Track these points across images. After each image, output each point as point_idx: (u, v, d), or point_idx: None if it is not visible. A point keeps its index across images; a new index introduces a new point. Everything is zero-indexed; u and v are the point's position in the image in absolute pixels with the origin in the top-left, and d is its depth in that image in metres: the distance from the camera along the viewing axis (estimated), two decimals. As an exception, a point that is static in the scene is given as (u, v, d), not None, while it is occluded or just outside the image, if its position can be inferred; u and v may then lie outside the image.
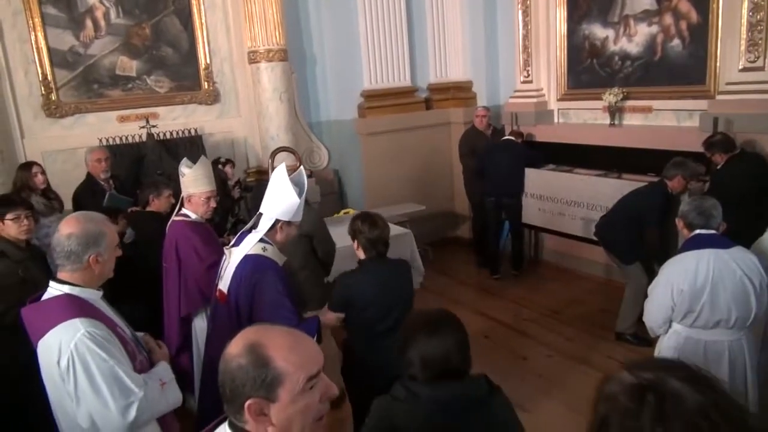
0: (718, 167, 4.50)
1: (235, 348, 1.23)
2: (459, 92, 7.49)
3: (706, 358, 2.75)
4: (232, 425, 1.26)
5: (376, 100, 7.03)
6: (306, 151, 6.82)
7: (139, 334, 2.24)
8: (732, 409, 1.03)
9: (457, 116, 7.41)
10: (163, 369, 2.13)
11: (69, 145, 5.74)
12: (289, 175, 2.72)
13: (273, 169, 3.24)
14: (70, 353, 1.86)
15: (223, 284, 2.79)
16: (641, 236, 4.53)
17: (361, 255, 2.88)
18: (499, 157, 6.04)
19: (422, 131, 7.31)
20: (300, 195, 2.71)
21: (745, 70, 4.70)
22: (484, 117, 6.51)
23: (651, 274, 3.41)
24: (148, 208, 4.11)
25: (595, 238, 5.07)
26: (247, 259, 2.70)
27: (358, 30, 6.87)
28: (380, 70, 7.04)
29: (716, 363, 2.74)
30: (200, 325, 3.35)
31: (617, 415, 1.05)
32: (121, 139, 5.69)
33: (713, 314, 2.69)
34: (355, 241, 2.89)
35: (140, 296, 3.95)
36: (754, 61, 4.63)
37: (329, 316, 2.86)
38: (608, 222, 4.79)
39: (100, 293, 2.10)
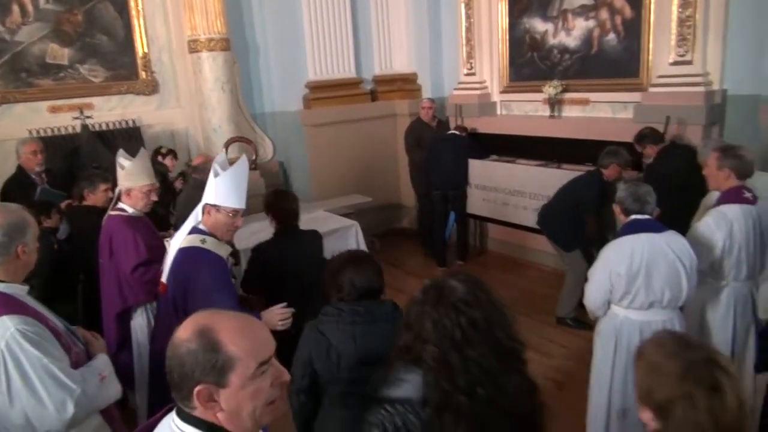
0: (651, 159, 4.64)
1: (185, 332, 1.20)
2: (404, 84, 7.52)
3: (642, 338, 2.87)
4: (180, 412, 1.23)
5: (321, 92, 6.97)
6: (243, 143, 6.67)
7: (73, 327, 2.16)
8: (491, 301, 1.52)
9: (402, 108, 7.45)
10: (102, 361, 2.08)
11: (-5, 136, 5.43)
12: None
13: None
14: (0, 353, 1.80)
15: (164, 277, 2.77)
16: (580, 223, 4.68)
17: (274, 227, 3.27)
18: (445, 150, 6.13)
19: (368, 123, 7.31)
20: (217, 175, 2.64)
21: (675, 63, 4.92)
22: (430, 109, 6.58)
23: (590, 261, 3.54)
24: (84, 203, 3.92)
25: (537, 227, 5.22)
26: (181, 252, 2.67)
27: (302, 21, 6.80)
28: (325, 62, 6.98)
29: (651, 342, 2.87)
30: (138, 321, 3.25)
31: (411, 305, 1.55)
32: (53, 130, 5.43)
33: (648, 295, 2.81)
34: (270, 215, 3.26)
35: (76, 293, 3.81)
36: (683, 55, 4.85)
37: (272, 316, 2.68)
38: (549, 211, 4.94)
39: (26, 288, 2.02)
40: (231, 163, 2.80)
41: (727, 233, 2.97)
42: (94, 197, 3.88)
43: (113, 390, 2.06)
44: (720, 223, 2.98)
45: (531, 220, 5.83)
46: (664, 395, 1.35)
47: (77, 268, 3.76)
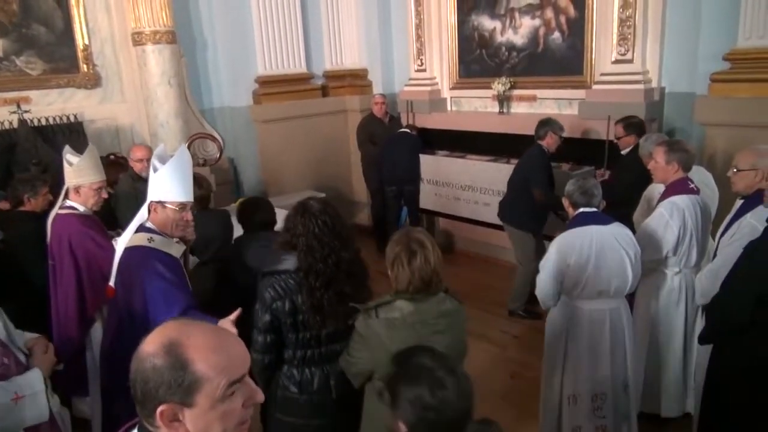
0: (627, 150, 4.53)
1: (151, 346, 1.11)
2: (355, 80, 7.53)
3: (591, 325, 3.00)
4: (142, 429, 1.15)
5: (271, 87, 6.89)
6: (198, 139, 6.55)
7: (33, 335, 2.06)
8: (334, 213, 2.34)
9: (353, 104, 7.46)
10: (27, 379, 1.93)
11: None
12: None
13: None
14: None
15: (112, 280, 2.64)
16: (531, 199, 4.71)
17: None
18: (398, 146, 6.21)
19: (319, 118, 7.28)
20: (156, 170, 2.53)
21: (616, 62, 5.13)
22: (383, 104, 6.62)
23: (541, 254, 3.62)
24: (22, 208, 3.64)
25: (487, 221, 5.33)
26: (126, 252, 2.56)
27: (251, 14, 6.68)
28: (275, 56, 6.90)
29: (599, 330, 2.99)
30: (95, 326, 3.16)
31: (288, 217, 2.37)
32: (-13, 125, 5.17)
33: (597, 285, 2.93)
34: None
35: (9, 300, 3.63)
36: (624, 54, 5.06)
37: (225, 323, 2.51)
38: (507, 200, 5.03)
39: None
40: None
41: (681, 222, 3.13)
42: (35, 203, 3.64)
43: (33, 412, 1.90)
44: (673, 213, 3.13)
45: (482, 214, 5.97)
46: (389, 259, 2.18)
47: (11, 275, 3.54)
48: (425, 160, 6.46)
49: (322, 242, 2.27)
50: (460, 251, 6.63)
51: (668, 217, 3.14)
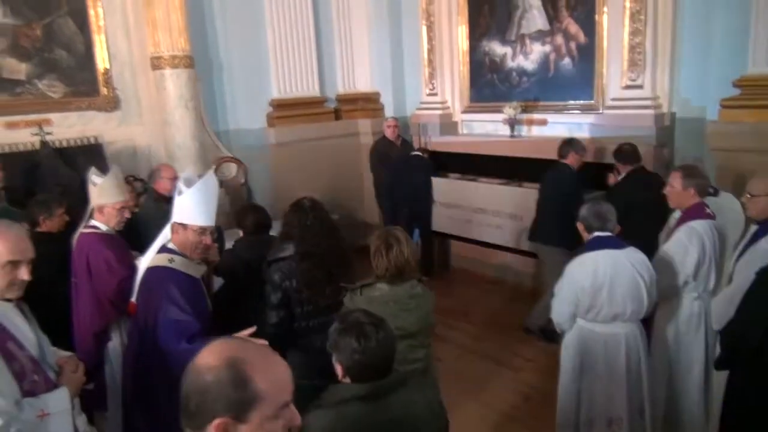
0: (619, 177, 4.70)
1: (211, 360, 1.14)
2: (367, 103, 7.64)
3: (606, 350, 3.02)
4: None
5: (285, 110, 7.01)
6: (213, 161, 6.65)
7: (66, 353, 2.11)
8: (322, 209, 2.95)
9: (365, 127, 7.56)
10: (55, 397, 1.97)
11: (-54, 153, 5.24)
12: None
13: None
14: None
15: (134, 296, 2.75)
16: (570, 218, 4.68)
17: None
18: (411, 169, 6.28)
19: (331, 141, 7.38)
20: (181, 193, 2.62)
21: (627, 87, 5.20)
22: (395, 127, 6.71)
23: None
24: (38, 229, 3.68)
25: (500, 243, 5.34)
26: (148, 272, 2.64)
27: (266, 39, 6.85)
28: (289, 80, 7.04)
29: (614, 354, 3.01)
30: (113, 342, 3.21)
31: (286, 214, 2.98)
32: (9, 147, 5.27)
33: (611, 308, 2.96)
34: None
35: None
36: (634, 80, 5.13)
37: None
38: (542, 221, 4.97)
39: (9, 304, 1.98)
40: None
41: (701, 247, 3.14)
42: (50, 223, 3.69)
43: (60, 430, 1.94)
44: (692, 238, 3.15)
45: (493, 236, 6.01)
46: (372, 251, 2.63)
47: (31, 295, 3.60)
48: (437, 182, 6.53)
49: (313, 231, 2.83)
50: (472, 272, 6.65)
51: (687, 242, 3.16)
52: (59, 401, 1.97)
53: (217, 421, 1.11)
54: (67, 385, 2.03)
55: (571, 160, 4.84)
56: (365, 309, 2.07)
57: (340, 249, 2.94)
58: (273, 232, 3.60)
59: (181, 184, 2.64)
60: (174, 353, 2.41)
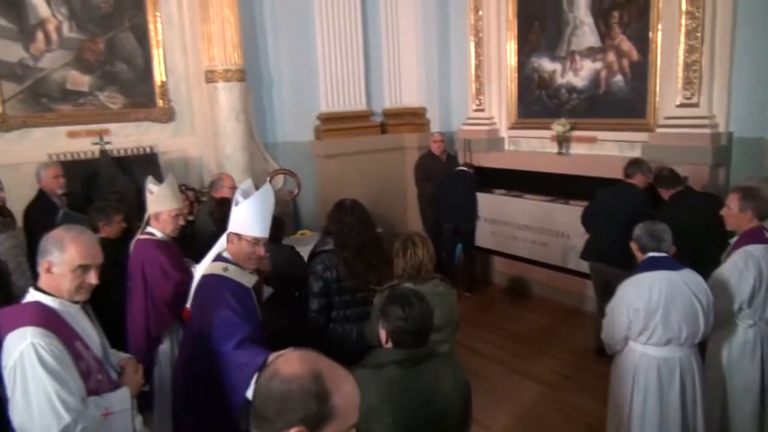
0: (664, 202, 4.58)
1: (298, 369, 1.17)
2: (413, 118, 7.68)
3: (660, 374, 2.93)
4: None
5: (332, 123, 7.12)
6: (261, 172, 6.79)
7: (125, 355, 2.19)
8: (362, 209, 3.25)
9: (411, 141, 7.59)
10: (118, 397, 2.06)
11: (12, 160, 5.48)
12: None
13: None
14: (14, 361, 1.85)
15: (189, 302, 2.79)
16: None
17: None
18: (456, 184, 6.27)
19: (377, 155, 7.44)
20: (238, 203, 2.68)
21: (681, 105, 5.07)
22: (441, 142, 6.72)
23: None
24: (98, 235, 3.87)
25: (546, 261, 5.26)
26: (202, 279, 2.69)
27: (315, 54, 6.99)
28: (337, 94, 7.15)
29: (669, 379, 2.92)
30: (164, 347, 3.30)
31: (329, 215, 3.31)
32: (71, 155, 5.51)
33: (666, 332, 2.87)
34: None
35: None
36: (689, 98, 5.00)
37: None
38: (613, 242, 4.52)
39: (76, 306, 2.07)
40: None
41: (757, 272, 3.03)
42: (109, 229, 3.82)
43: (120, 429, 2.02)
44: (748, 263, 3.04)
45: (538, 253, 5.93)
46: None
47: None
48: (482, 198, 6.50)
49: (351, 226, 3.14)
50: (514, 290, 6.56)
51: (743, 266, 3.05)
52: (122, 400, 2.06)
53: (294, 429, 1.13)
54: (128, 385, 2.12)
55: (638, 180, 4.69)
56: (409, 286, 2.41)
57: (377, 243, 3.25)
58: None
59: (238, 195, 2.71)
60: (223, 355, 2.46)
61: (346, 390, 1.19)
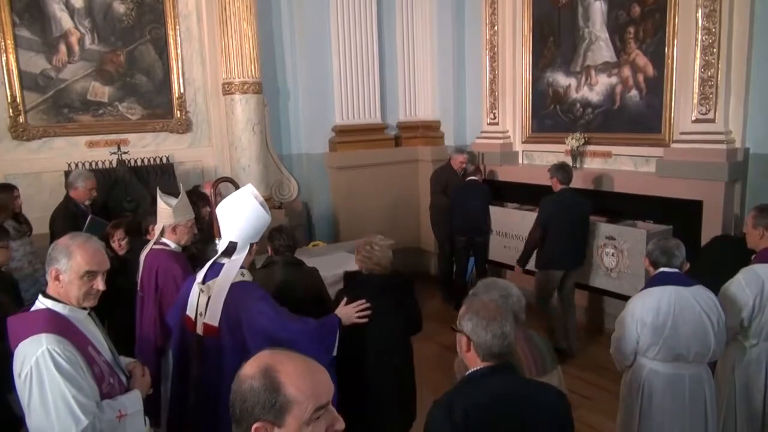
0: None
1: (250, 369, 1.25)
2: (427, 131, 7.70)
3: (668, 389, 2.88)
4: None
5: (347, 136, 7.17)
6: (276, 183, 6.87)
7: (130, 359, 2.23)
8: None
9: (425, 154, 7.61)
10: (130, 399, 2.10)
11: (34, 168, 5.64)
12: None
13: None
14: (29, 368, 1.89)
15: (211, 318, 2.65)
16: None
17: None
18: (469, 197, 6.23)
19: (391, 167, 7.47)
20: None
21: (697, 121, 5.03)
22: (463, 163, 6.62)
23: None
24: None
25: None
26: (234, 288, 2.65)
27: (331, 67, 7.06)
28: (352, 107, 7.21)
29: (677, 395, 2.87)
30: (170, 359, 3.30)
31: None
32: (90, 164, 5.62)
33: (674, 348, 2.82)
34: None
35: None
36: (705, 114, 4.97)
37: (346, 310, 2.86)
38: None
39: (85, 312, 2.11)
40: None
41: (758, 292, 2.98)
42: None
43: (135, 430, 2.07)
44: (750, 282, 2.99)
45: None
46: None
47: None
48: (494, 211, 6.47)
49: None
50: (528, 303, 6.48)
51: (744, 285, 3.00)
52: (134, 402, 2.11)
53: (256, 425, 1.21)
54: (138, 387, 2.18)
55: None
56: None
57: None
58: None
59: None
60: (295, 332, 2.60)
61: (300, 378, 1.24)
